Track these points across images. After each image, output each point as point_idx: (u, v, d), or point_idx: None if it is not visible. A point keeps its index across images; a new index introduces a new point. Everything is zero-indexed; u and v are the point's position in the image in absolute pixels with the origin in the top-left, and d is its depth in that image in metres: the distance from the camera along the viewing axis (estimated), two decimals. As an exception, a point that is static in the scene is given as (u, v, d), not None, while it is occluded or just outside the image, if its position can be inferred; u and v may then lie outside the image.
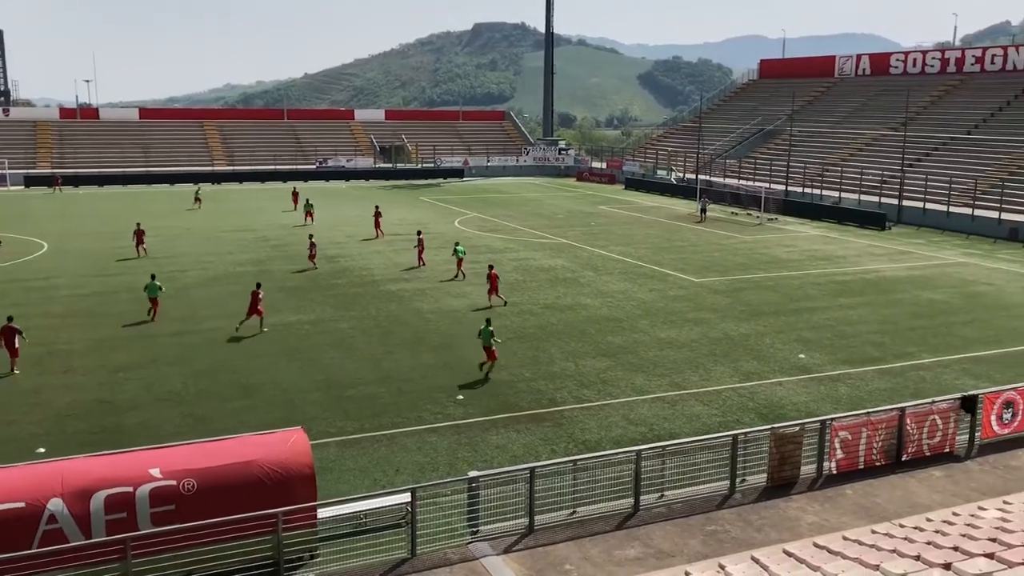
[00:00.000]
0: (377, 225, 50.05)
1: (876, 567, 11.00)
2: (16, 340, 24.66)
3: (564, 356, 26.56)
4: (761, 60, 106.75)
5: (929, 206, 57.34)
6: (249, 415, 21.40)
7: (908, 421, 18.27)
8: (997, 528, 12.62)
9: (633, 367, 25.60)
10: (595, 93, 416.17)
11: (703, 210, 60.15)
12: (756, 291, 36.25)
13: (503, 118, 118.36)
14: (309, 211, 55.74)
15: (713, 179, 74.87)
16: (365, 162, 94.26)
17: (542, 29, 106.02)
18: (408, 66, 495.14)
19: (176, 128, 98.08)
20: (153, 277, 31.65)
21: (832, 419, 18.00)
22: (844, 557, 11.93)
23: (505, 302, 32.93)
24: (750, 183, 69.90)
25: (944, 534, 12.82)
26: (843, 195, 63.93)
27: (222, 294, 34.88)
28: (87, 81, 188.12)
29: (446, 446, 19.68)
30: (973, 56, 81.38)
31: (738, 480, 17.04)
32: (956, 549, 11.39)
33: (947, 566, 10.68)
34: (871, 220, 56.82)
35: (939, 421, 18.63)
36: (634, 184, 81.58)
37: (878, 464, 18.02)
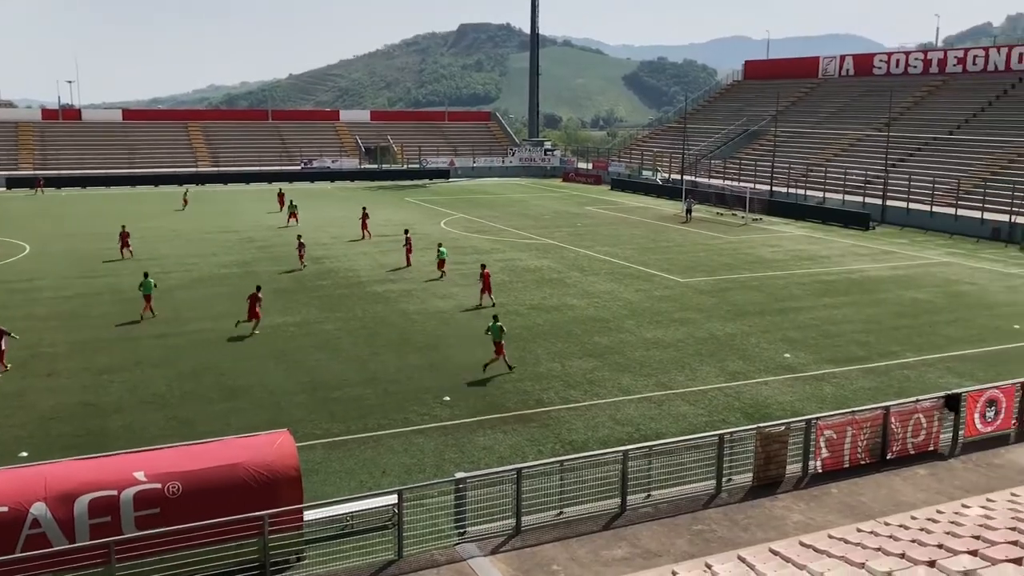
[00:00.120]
0: (364, 226, 49.97)
1: (862, 565, 11.05)
2: (3, 341, 24.73)
3: (551, 357, 26.57)
4: (746, 61, 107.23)
5: (912, 206, 57.72)
6: (234, 417, 21.30)
7: (893, 420, 18.38)
8: (980, 526, 12.72)
9: (619, 367, 25.64)
10: (580, 94, 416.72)
11: (688, 210, 60.34)
12: (741, 291, 36.39)
13: (489, 119, 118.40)
14: (293, 212, 55.64)
15: (698, 179, 75.11)
16: (350, 163, 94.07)
17: (527, 30, 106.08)
18: (393, 67, 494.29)
19: (160, 129, 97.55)
20: (146, 275, 31.57)
21: (817, 418, 18.08)
22: (830, 556, 11.99)
23: (493, 303, 32.92)
24: (735, 183, 70.18)
25: (929, 532, 12.90)
26: (827, 195, 64.29)
27: (207, 296, 34.72)
28: (69, 82, 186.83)
29: (433, 447, 19.64)
30: (955, 57, 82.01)
31: (724, 479, 17.10)
32: (940, 547, 11.47)
33: (931, 563, 10.75)
34: (855, 220, 57.15)
35: (923, 420, 18.75)
36: (620, 185, 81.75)
37: (863, 463, 18.12)
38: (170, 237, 49.80)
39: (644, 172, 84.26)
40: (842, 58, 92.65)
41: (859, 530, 14.05)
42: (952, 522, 13.47)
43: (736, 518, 15.96)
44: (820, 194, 64.82)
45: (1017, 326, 30.90)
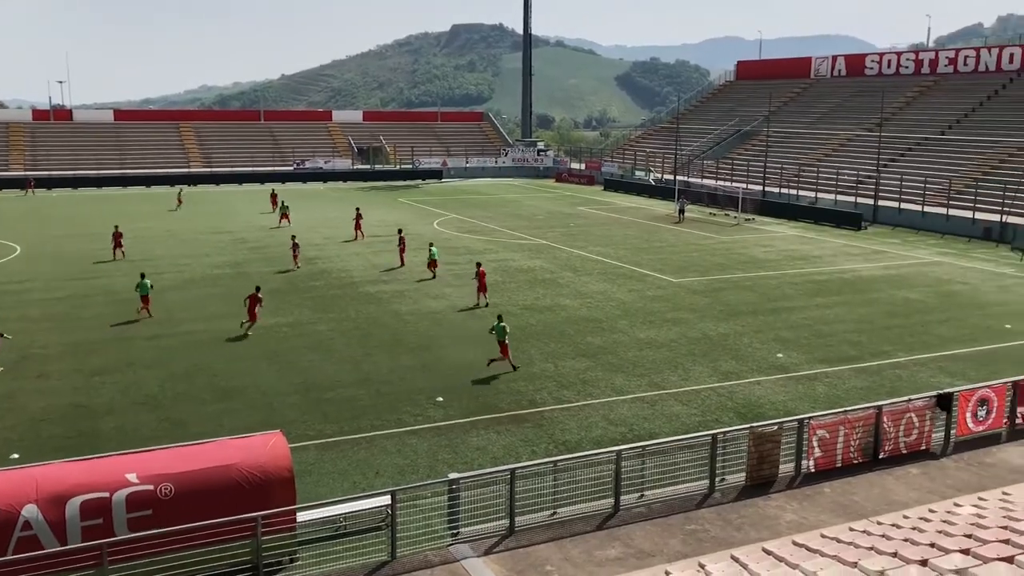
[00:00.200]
0: (358, 227, 49.92)
1: (854, 564, 11.07)
2: None
3: (544, 357, 26.57)
4: (738, 61, 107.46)
5: (904, 206, 57.92)
6: (227, 419, 21.25)
7: (885, 419, 18.43)
8: (972, 524, 12.76)
9: (613, 367, 25.66)
10: (573, 94, 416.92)
11: (681, 211, 60.40)
12: (734, 291, 36.45)
13: (481, 119, 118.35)
14: (285, 213, 55.59)
15: (691, 180, 75.21)
16: (343, 163, 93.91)
17: (520, 30, 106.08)
18: (386, 67, 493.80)
19: (152, 130, 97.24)
20: (143, 276, 31.54)
21: (810, 418, 18.12)
22: (823, 555, 12.01)
23: (487, 303, 32.93)
24: (727, 184, 70.29)
25: (921, 531, 12.94)
26: (819, 195, 64.45)
27: (199, 297, 34.63)
28: (60, 82, 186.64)
29: (426, 448, 19.63)
30: (946, 58, 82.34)
31: (717, 479, 17.12)
32: (932, 546, 11.50)
33: (924, 562, 10.78)
34: (847, 220, 57.31)
35: (915, 419, 18.81)
36: (613, 185, 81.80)
37: (856, 462, 18.17)
38: (163, 238, 49.64)
39: (637, 172, 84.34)
40: (834, 58, 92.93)
41: (852, 529, 14.09)
42: (944, 521, 13.52)
43: (729, 518, 15.99)
44: (812, 194, 64.98)
45: (1008, 325, 31.02)
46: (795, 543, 13.21)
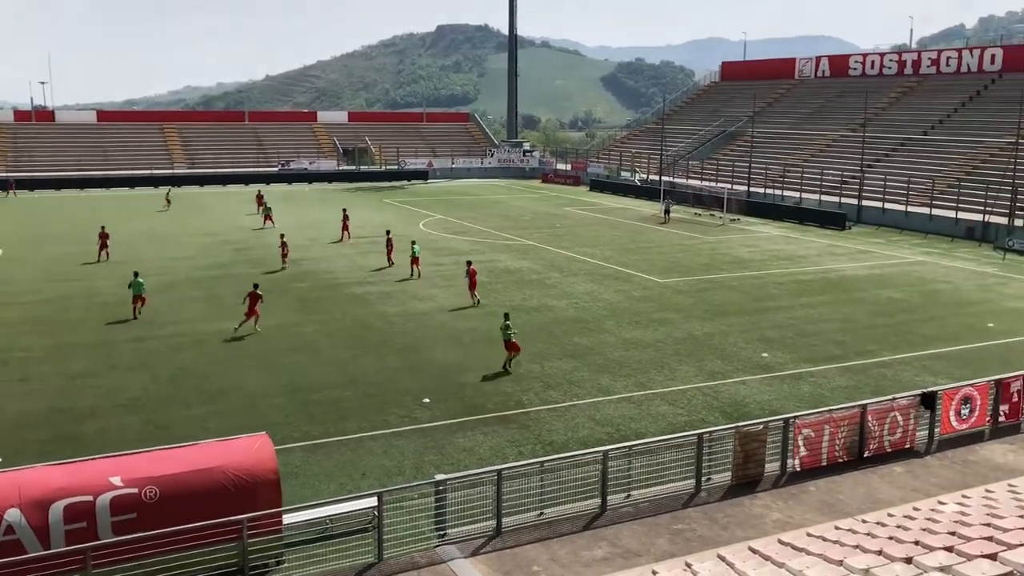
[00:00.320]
0: (345, 228, 49.81)
1: (840, 562, 11.12)
2: None
3: (530, 358, 26.55)
4: (723, 62, 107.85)
5: (888, 206, 58.29)
6: (212, 421, 21.14)
7: (869, 418, 18.53)
8: (956, 522, 12.84)
9: (599, 368, 25.69)
10: (559, 95, 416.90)
11: (667, 211, 60.57)
12: (719, 291, 36.58)
13: (467, 120, 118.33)
14: (268, 215, 55.42)
15: (676, 180, 75.42)
16: (328, 164, 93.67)
17: (505, 31, 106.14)
18: (371, 68, 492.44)
19: (135, 131, 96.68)
20: (136, 274, 31.37)
21: (795, 417, 18.20)
22: (808, 553, 12.06)
23: (477, 302, 32.96)
24: (713, 184, 70.51)
25: (905, 529, 13.01)
26: (804, 195, 64.75)
27: (183, 299, 34.44)
28: (42, 83, 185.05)
29: (412, 449, 19.59)
30: (929, 58, 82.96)
31: (704, 479, 17.15)
32: (917, 543, 11.56)
33: (908, 560, 10.84)
34: (831, 220, 57.62)
35: (900, 418, 18.92)
36: (599, 186, 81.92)
37: (841, 461, 18.25)
38: (147, 239, 49.34)
39: (623, 173, 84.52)
40: (818, 59, 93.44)
41: (837, 528, 14.15)
42: (928, 519, 13.60)
43: (716, 517, 16.03)
44: (797, 194, 65.27)
45: (991, 324, 31.26)
46: (781, 542, 13.26)
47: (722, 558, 12.42)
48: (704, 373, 25.33)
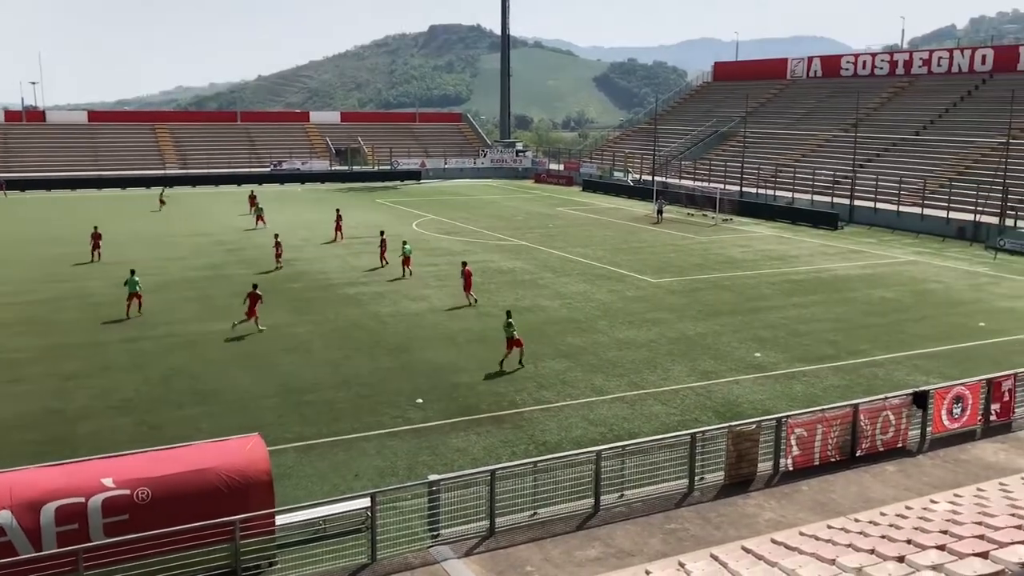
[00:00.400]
0: (338, 228, 49.75)
1: (832, 561, 11.15)
2: None
3: (524, 358, 26.55)
4: (715, 63, 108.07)
5: (880, 206, 58.47)
6: (205, 422, 21.09)
7: (862, 417, 18.58)
8: (948, 521, 12.88)
9: (592, 368, 25.71)
10: (552, 95, 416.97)
11: (659, 211, 60.66)
12: (712, 291, 36.64)
13: (460, 120, 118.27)
14: (260, 215, 55.33)
15: (669, 180, 75.48)
16: (321, 164, 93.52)
17: (498, 31, 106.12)
18: (363, 68, 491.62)
19: (127, 131, 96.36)
20: (132, 272, 31.29)
21: (788, 416, 18.23)
22: (801, 552, 12.08)
23: (472, 303, 32.96)
24: (705, 184, 70.61)
25: (898, 527, 13.05)
26: (796, 195, 64.92)
27: (176, 299, 34.34)
28: (33, 83, 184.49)
29: (406, 450, 19.57)
30: (920, 58, 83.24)
31: (697, 478, 17.19)
32: (909, 542, 11.60)
33: (900, 559, 10.86)
34: (824, 220, 57.77)
35: (892, 417, 18.98)
36: (591, 186, 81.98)
37: (833, 460, 18.30)
38: (139, 240, 49.19)
39: (615, 173, 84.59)
40: (810, 59, 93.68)
41: (830, 527, 14.18)
42: (920, 518, 13.64)
43: (709, 516, 16.06)
44: (789, 194, 65.44)
45: (982, 323, 31.38)
46: (774, 541, 13.28)
47: (715, 557, 12.44)
48: (697, 373, 25.37)
